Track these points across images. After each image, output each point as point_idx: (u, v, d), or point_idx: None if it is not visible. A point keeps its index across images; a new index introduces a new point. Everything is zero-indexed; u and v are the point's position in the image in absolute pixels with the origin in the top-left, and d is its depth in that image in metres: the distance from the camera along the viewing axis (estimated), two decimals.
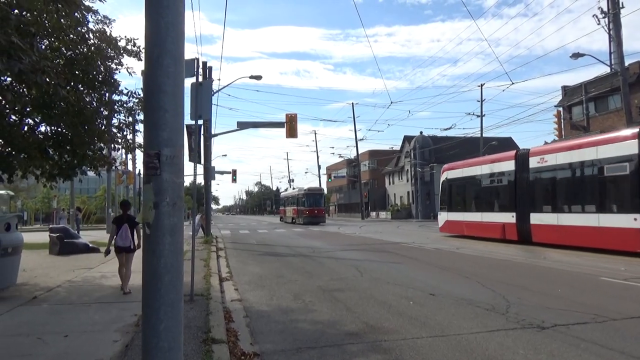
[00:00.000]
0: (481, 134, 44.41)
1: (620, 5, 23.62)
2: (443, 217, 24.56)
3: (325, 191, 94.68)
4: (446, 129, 45.71)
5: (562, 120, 32.62)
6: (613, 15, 23.64)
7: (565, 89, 36.63)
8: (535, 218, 17.62)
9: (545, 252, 15.47)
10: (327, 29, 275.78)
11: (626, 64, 24.83)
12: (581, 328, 5.92)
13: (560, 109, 35.16)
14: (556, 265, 11.91)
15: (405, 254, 15.47)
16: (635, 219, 13.54)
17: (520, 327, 5.99)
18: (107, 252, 8.65)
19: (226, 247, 18.90)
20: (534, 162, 18.01)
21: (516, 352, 4.99)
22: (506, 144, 49.43)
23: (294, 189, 63.35)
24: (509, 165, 19.51)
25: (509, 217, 19.01)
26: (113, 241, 8.45)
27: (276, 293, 8.73)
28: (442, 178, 25.08)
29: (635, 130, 14.14)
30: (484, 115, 43.85)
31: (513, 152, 20.00)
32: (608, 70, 28.62)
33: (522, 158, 18.79)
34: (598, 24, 24.51)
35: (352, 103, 68.17)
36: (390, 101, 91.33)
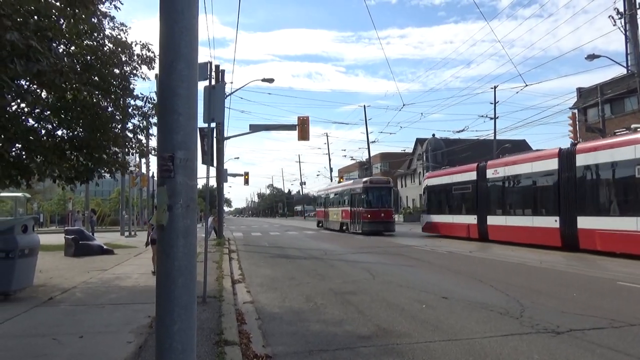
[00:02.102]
0: (494, 137, 44.04)
1: (637, 6, 23.31)
2: (424, 218, 29.14)
3: None
4: (459, 132, 45.06)
5: (577, 122, 32.21)
6: (629, 16, 23.34)
7: (581, 91, 36.22)
8: (491, 220, 21.54)
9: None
10: (339, 31, 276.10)
11: None
12: (597, 333, 5.83)
13: (576, 111, 34.75)
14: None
15: (417, 257, 15.38)
16: (556, 220, 17.17)
17: (534, 331, 5.92)
18: (147, 244, 11.44)
19: (238, 250, 18.98)
20: (489, 173, 21.95)
21: (531, 357, 4.94)
22: (520, 146, 48.94)
23: (340, 181, 45.89)
24: (472, 176, 23.40)
25: (472, 219, 22.87)
26: (149, 236, 10.97)
27: (288, 295, 8.74)
28: (424, 185, 30.04)
29: (556, 150, 17.63)
30: (498, 117, 43.54)
31: (475, 165, 23.60)
32: (624, 71, 28.23)
33: (481, 170, 22.66)
34: (614, 25, 24.20)
35: (364, 105, 67.94)
36: (403, 103, 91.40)
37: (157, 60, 8.60)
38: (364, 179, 31.60)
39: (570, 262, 13.45)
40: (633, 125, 15.80)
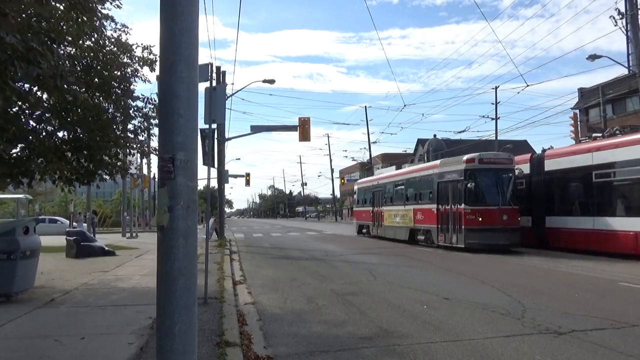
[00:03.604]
0: (496, 137, 43.98)
1: (638, 7, 23.30)
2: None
3: (338, 195, 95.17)
4: (460, 132, 44.92)
5: (578, 122, 32.19)
6: (630, 17, 23.33)
7: (582, 91, 36.19)
8: None
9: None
10: (340, 32, 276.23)
11: None
12: (599, 334, 5.82)
13: (577, 111, 34.73)
14: (556, 268, 11.73)
15: (419, 258, 15.37)
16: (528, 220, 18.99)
17: (536, 332, 5.91)
18: None
19: (240, 251, 18.98)
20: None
21: (532, 358, 4.92)
22: (521, 146, 48.84)
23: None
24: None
25: None
26: None
27: (289, 296, 8.74)
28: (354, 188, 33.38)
29: (464, 157, 18.08)
30: (499, 117, 43.44)
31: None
32: (626, 71, 28.20)
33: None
34: (615, 25, 24.18)
35: (365, 106, 67.82)
36: (404, 104, 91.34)
37: (157, 62, 8.61)
38: (468, 156, 17.71)
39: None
40: (594, 135, 17.78)
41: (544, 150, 19.10)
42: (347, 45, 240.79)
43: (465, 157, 17.84)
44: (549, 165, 17.82)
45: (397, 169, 25.58)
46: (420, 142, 66.50)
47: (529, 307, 7.33)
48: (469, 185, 17.15)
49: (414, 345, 5.41)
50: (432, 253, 17.06)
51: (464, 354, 5.08)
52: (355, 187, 31.85)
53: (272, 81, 27.56)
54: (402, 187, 22.98)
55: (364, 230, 28.60)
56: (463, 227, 17.09)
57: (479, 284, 9.88)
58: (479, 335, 5.77)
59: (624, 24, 24.11)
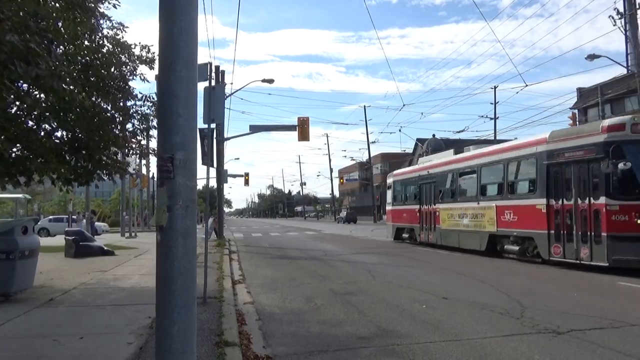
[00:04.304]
0: (494, 137, 44.00)
1: (637, 6, 23.33)
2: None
3: (337, 195, 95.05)
4: (459, 132, 44.93)
5: (577, 122, 32.22)
6: (629, 16, 23.35)
7: (581, 91, 36.25)
8: None
9: None
10: (339, 31, 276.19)
11: None
12: (598, 333, 5.82)
13: (576, 111, 34.78)
14: (564, 268, 11.73)
15: (418, 258, 15.37)
16: None
17: (535, 332, 5.92)
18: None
19: (239, 250, 18.98)
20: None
21: (531, 358, 4.93)
22: None
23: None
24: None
25: None
26: None
27: (288, 296, 8.74)
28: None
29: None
30: (498, 117, 43.51)
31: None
32: (625, 71, 28.24)
33: None
34: (614, 25, 24.22)
35: (364, 106, 67.97)
36: (403, 103, 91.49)
37: (157, 61, 8.62)
38: (611, 122, 11.76)
39: None
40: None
41: None
42: (346, 45, 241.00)
43: (606, 123, 11.58)
44: None
45: (455, 153, 18.45)
46: (420, 141, 66.61)
47: (528, 307, 7.34)
48: (618, 166, 10.70)
49: (412, 345, 5.41)
50: (431, 253, 17.06)
51: (463, 354, 5.08)
52: (390, 180, 23.91)
53: (271, 81, 27.57)
54: (473, 175, 16.29)
55: (405, 235, 21.73)
56: (604, 234, 10.87)
57: (478, 284, 9.89)
58: (477, 335, 5.78)
59: (623, 23, 24.14)
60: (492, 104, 43.68)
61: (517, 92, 47.88)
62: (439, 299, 8.18)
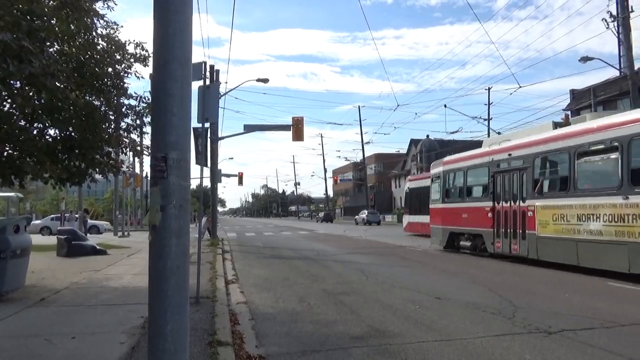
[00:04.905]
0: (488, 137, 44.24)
1: (630, 9, 23.50)
2: (406, 219, 30.54)
3: (331, 195, 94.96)
4: (453, 133, 45.07)
5: (569, 124, 32.43)
6: (622, 19, 23.51)
7: (574, 93, 36.45)
8: None
9: None
10: (334, 31, 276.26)
11: (636, 67, 24.65)
12: (589, 333, 5.87)
13: (569, 112, 34.97)
14: (555, 268, 11.83)
15: (411, 258, 15.43)
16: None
17: (526, 332, 5.96)
18: None
19: (232, 250, 18.96)
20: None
21: (522, 357, 4.97)
22: None
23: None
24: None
25: None
26: None
27: (281, 296, 8.74)
28: (405, 187, 31.45)
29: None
30: (492, 118, 43.66)
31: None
32: (617, 73, 28.44)
33: None
34: (607, 28, 24.36)
35: (359, 106, 67.81)
36: (397, 104, 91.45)
37: (151, 59, 8.58)
38: None
39: None
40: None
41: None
42: (341, 45, 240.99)
43: None
44: None
45: (556, 127, 13.55)
46: (414, 142, 66.87)
47: (520, 307, 7.39)
48: None
49: (405, 344, 5.44)
50: (420, 252, 17.12)
51: (455, 354, 5.11)
52: (439, 170, 18.53)
53: (265, 80, 27.55)
54: (611, 156, 10.70)
55: (466, 243, 16.22)
56: None
57: (470, 284, 9.95)
58: (470, 335, 5.81)
59: (616, 26, 24.30)
60: (485, 104, 43.88)
61: (510, 94, 48.12)
62: (432, 298, 8.21)
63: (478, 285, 9.76)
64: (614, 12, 24.10)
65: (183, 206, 3.18)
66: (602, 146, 10.98)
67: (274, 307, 7.76)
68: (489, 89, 43.75)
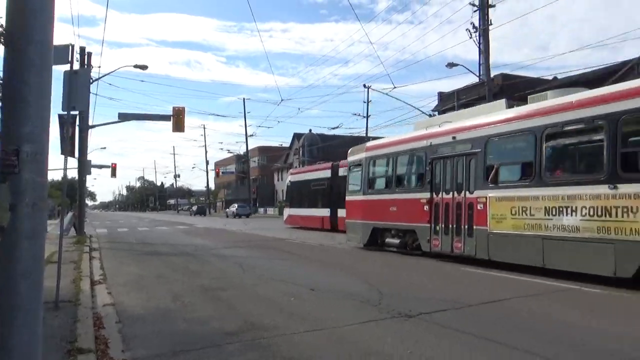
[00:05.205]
0: (366, 134, 46.65)
1: (490, 22, 26.31)
2: (287, 212, 31.80)
3: (213, 187, 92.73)
4: (334, 128, 46.69)
5: None
6: (483, 31, 26.24)
7: (442, 95, 39.92)
8: (341, 212, 22.16)
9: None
10: (221, 20, 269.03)
11: (492, 75, 27.74)
12: (442, 315, 6.56)
13: (436, 112, 38.23)
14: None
15: (289, 250, 15.77)
16: (328, 212, 25.87)
17: (390, 317, 6.47)
18: None
19: (101, 247, 17.68)
20: (341, 172, 23.76)
21: (385, 341, 5.40)
22: None
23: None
24: (327, 173, 26.88)
25: (326, 212, 26.25)
26: None
27: (154, 294, 8.41)
28: (287, 180, 32.82)
29: (329, 164, 26.94)
30: (370, 115, 46.03)
31: (330, 164, 27.13)
32: (477, 79, 31.71)
33: (335, 168, 25.98)
34: (470, 38, 27.01)
35: (244, 98, 67.21)
36: (281, 98, 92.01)
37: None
38: None
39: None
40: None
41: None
42: (227, 35, 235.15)
43: None
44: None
45: (510, 106, 11.75)
46: (297, 136, 68.10)
47: (386, 294, 7.98)
48: None
49: (278, 337, 5.59)
50: (300, 245, 17.60)
51: (324, 342, 5.39)
52: (360, 157, 16.45)
53: (144, 67, 26.00)
54: (581, 139, 9.63)
55: (393, 240, 14.35)
56: None
57: (344, 275, 10.50)
58: (340, 323, 6.15)
59: (477, 36, 27.04)
60: (365, 102, 46.13)
61: (386, 93, 50.99)
62: (307, 290, 8.51)
63: (350, 275, 10.34)
64: (477, 24, 26.87)
65: (37, 204, 2.96)
66: (581, 125, 9.20)
67: (145, 307, 7.43)
68: (368, 87, 45.91)
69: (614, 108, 8.58)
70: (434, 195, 12.72)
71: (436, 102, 40.11)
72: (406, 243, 13.79)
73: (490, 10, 25.26)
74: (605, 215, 8.48)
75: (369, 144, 16.92)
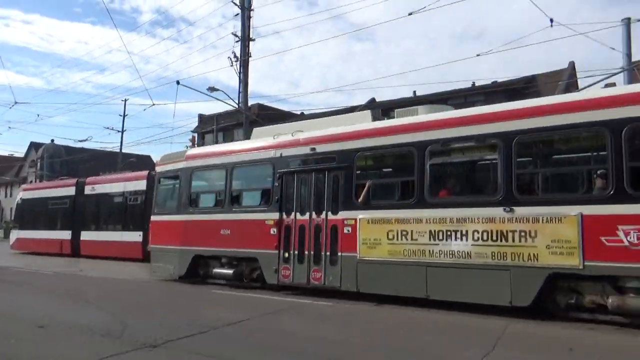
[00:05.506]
0: (120, 150, 43.54)
1: (249, 54, 27.85)
2: (15, 234, 27.10)
3: None
4: (82, 141, 42.04)
5: (196, 145, 35.55)
6: (243, 61, 27.60)
7: (202, 117, 40.27)
8: (84, 235, 22.56)
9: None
10: None
11: (250, 104, 29.35)
12: (190, 340, 6.47)
13: (196, 134, 38.34)
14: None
15: (14, 280, 13.40)
16: (140, 235, 19.37)
17: (133, 348, 6.05)
18: None
19: None
20: (87, 190, 22.99)
21: None
22: (145, 161, 49.94)
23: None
24: (70, 191, 23.84)
25: (67, 235, 23.33)
26: None
27: None
28: (18, 198, 28.13)
29: (145, 172, 20.79)
30: (126, 130, 43.18)
31: (74, 180, 24.37)
32: (236, 106, 33.12)
33: (80, 185, 23.55)
34: (231, 66, 28.05)
35: None
36: (15, 100, 78.35)
37: None
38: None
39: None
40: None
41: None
42: None
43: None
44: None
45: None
46: (34, 146, 58.89)
47: (130, 324, 7.42)
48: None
49: None
50: (33, 274, 15.15)
51: None
52: (179, 166, 13.16)
53: None
54: (474, 157, 9.27)
55: (222, 271, 11.82)
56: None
57: (84, 305, 9.43)
58: None
59: (238, 66, 28.30)
60: (121, 116, 43.06)
61: (144, 110, 48.80)
62: (34, 327, 7.31)
63: (91, 304, 9.33)
64: (238, 54, 28.12)
65: None
66: (473, 143, 8.65)
67: None
68: (125, 100, 43.11)
69: (509, 127, 8.10)
70: (285, 216, 10.69)
71: (196, 124, 40.31)
72: (242, 274, 11.50)
73: (251, 43, 26.71)
74: (501, 240, 7.88)
75: (191, 151, 13.52)
